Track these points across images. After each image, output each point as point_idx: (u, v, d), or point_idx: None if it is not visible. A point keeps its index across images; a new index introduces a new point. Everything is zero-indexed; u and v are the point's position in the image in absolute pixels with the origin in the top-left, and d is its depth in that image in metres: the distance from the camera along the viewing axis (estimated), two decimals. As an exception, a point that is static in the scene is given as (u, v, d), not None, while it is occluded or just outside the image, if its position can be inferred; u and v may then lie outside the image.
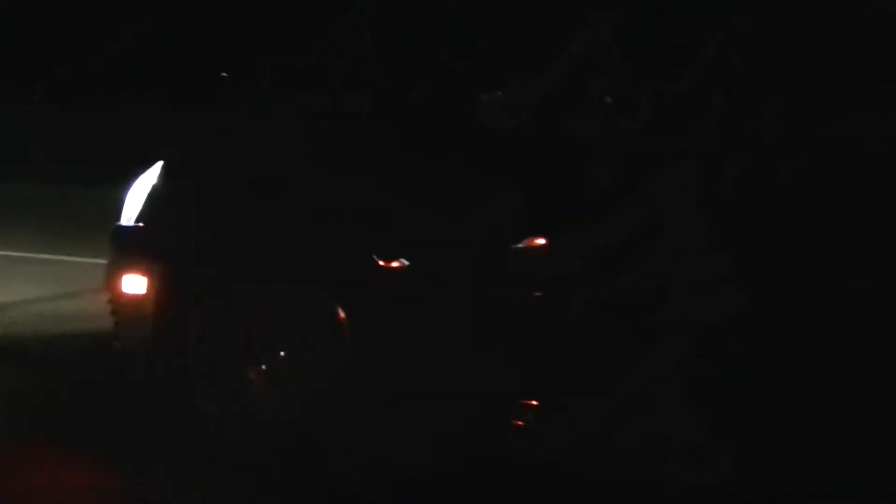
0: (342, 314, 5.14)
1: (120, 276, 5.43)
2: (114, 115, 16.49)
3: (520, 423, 5.07)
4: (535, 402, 5.04)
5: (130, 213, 5.57)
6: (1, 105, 16.98)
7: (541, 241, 4.97)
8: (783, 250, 4.88)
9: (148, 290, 5.31)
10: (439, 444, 5.15)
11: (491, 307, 5.05)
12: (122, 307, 5.44)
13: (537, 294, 5.04)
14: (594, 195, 5.05)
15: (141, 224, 5.50)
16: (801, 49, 5.09)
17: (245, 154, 5.51)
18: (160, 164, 5.62)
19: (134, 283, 5.36)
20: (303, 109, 5.82)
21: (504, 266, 4.99)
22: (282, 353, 5.26)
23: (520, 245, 4.98)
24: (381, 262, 5.07)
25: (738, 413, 4.88)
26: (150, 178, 5.61)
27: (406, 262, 5.05)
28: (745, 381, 4.86)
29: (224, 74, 5.99)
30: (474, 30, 5.57)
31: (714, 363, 4.83)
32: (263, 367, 5.29)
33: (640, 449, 4.97)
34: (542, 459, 5.12)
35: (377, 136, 5.36)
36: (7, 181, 15.19)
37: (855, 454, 4.80)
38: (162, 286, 5.29)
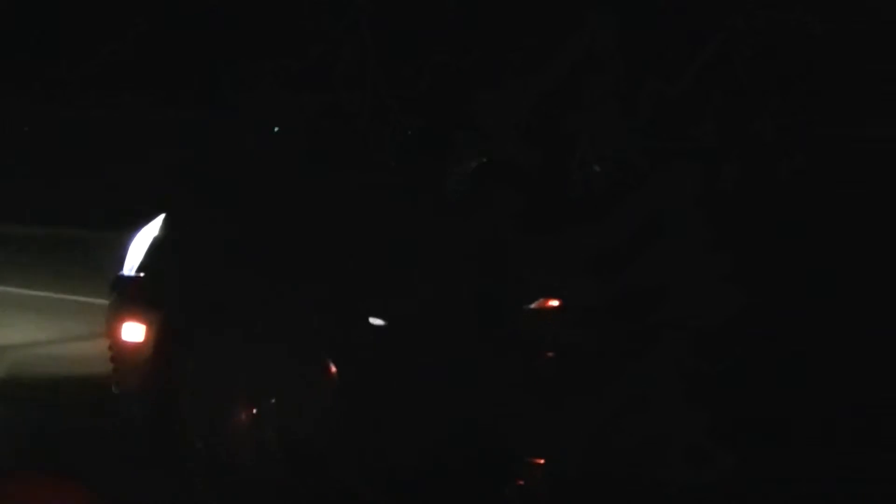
0: (332, 364, 5.24)
1: (120, 324, 5.62)
2: (114, 115, 16.48)
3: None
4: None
5: (132, 262, 5.74)
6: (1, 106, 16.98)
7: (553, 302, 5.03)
8: (783, 250, 4.88)
9: (146, 337, 5.51)
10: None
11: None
12: (122, 353, 5.63)
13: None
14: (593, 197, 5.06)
15: (141, 274, 5.68)
16: (801, 49, 5.09)
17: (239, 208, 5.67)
18: (161, 216, 5.78)
19: (133, 331, 5.56)
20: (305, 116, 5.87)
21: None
22: (273, 400, 5.38)
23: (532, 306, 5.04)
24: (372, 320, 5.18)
25: (738, 413, 4.88)
26: (151, 229, 5.76)
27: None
28: (745, 381, 4.86)
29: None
30: (474, 29, 5.57)
31: (714, 363, 4.83)
32: (255, 411, 5.41)
33: (640, 449, 4.97)
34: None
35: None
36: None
37: (855, 454, 4.80)
38: (159, 334, 5.48)
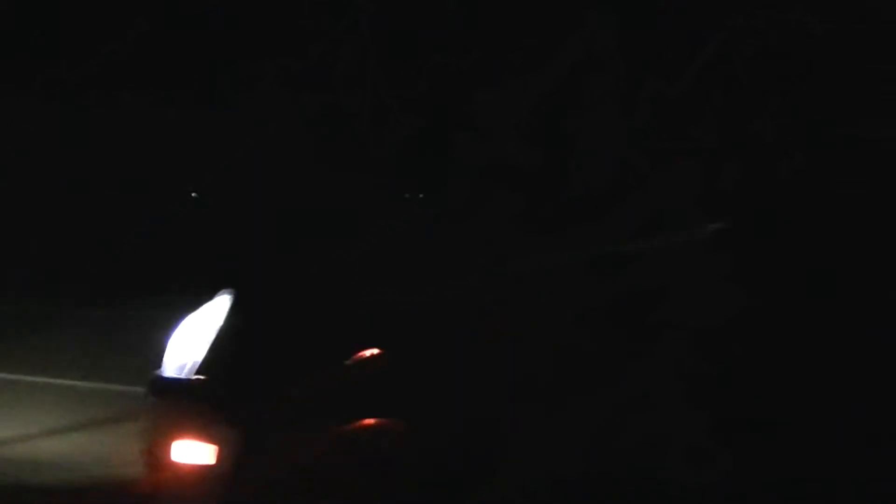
0: None
1: (170, 443, 4.34)
2: (113, 115, 16.48)
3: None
4: None
5: (180, 360, 4.48)
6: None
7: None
8: (784, 250, 4.88)
9: (219, 459, 4.29)
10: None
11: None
12: (179, 480, 4.33)
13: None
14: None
15: (202, 377, 4.39)
16: (801, 49, 5.09)
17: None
18: (224, 297, 4.51)
19: (194, 452, 4.30)
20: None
21: None
22: None
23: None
24: None
25: (738, 413, 4.88)
26: (208, 315, 4.49)
27: None
28: (744, 381, 4.86)
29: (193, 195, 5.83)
30: (474, 29, 5.58)
31: (714, 363, 4.83)
32: None
33: (640, 449, 4.97)
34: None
35: None
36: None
37: (854, 454, 4.80)
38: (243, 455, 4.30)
